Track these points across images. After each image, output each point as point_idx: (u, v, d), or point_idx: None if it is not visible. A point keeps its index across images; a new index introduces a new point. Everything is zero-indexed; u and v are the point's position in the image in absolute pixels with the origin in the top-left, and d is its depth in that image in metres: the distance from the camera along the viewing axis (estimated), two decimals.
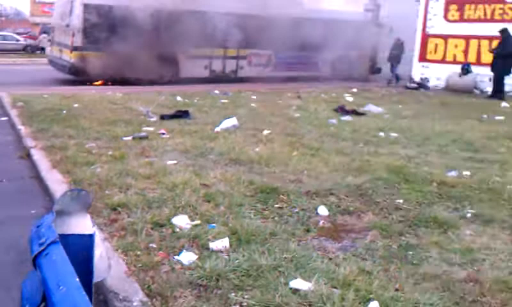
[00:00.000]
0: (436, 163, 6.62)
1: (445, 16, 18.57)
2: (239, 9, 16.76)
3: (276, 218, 4.60)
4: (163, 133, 8.04)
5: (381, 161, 6.54)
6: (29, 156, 6.97)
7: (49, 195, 5.46)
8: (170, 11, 15.80)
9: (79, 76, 16.19)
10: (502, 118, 11.04)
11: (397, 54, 19.20)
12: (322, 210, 4.78)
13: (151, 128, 8.39)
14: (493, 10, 17.14)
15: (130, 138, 7.61)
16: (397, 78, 19.23)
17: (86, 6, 15.91)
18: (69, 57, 16.26)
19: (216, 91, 14.10)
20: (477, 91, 16.64)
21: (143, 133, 7.91)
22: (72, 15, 16.31)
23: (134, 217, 4.52)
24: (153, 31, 15.77)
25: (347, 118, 10.06)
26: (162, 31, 15.91)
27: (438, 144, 7.84)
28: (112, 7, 15.80)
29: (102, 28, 15.87)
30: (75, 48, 16.01)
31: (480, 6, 17.49)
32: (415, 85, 18.03)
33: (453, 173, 6.07)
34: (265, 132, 8.34)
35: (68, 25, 16.56)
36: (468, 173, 6.12)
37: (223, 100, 12.44)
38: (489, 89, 15.95)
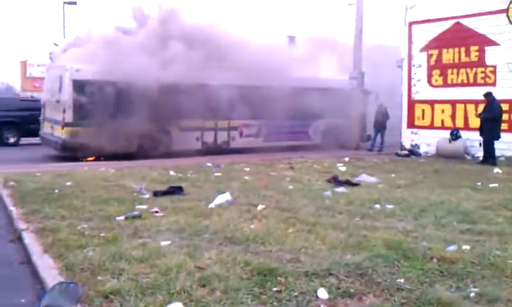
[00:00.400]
0: (435, 237, 6.53)
1: (429, 82, 18.93)
2: (230, 81, 17.03)
3: (274, 303, 4.47)
4: (156, 212, 7.93)
5: (379, 236, 6.44)
6: (20, 239, 6.83)
7: (40, 282, 5.30)
8: (161, 84, 15.98)
9: (71, 152, 16.17)
10: (496, 185, 11.03)
11: (382, 121, 19.44)
12: (322, 293, 4.65)
13: (144, 206, 8.30)
14: (475, 74, 17.48)
15: (123, 218, 7.49)
16: (374, 144, 19.41)
17: (75, 82, 16.09)
18: (60, 133, 16.29)
19: (209, 164, 14.12)
20: (468, 157, 16.73)
21: (136, 212, 7.79)
22: (62, 90, 16.45)
23: (127, 305, 4.38)
24: (145, 105, 15.91)
25: (342, 189, 10.01)
26: (154, 105, 16.04)
27: (435, 215, 7.77)
28: (102, 82, 15.98)
29: (92, 103, 16.01)
30: (66, 124, 16.08)
31: (463, 70, 17.84)
32: (406, 152, 18.14)
33: (452, 248, 5.97)
34: (260, 206, 8.26)
35: (58, 101, 16.67)
36: (467, 247, 6.02)
37: (216, 174, 12.41)
38: (480, 154, 16.05)
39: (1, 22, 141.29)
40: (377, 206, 8.43)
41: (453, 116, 18.05)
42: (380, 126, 19.57)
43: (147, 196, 9.31)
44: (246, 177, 11.91)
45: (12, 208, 8.44)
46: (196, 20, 18.10)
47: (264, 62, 17.08)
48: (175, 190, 9.63)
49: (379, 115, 19.56)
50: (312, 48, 19.74)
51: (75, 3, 36.36)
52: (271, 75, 17.24)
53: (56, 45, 23.12)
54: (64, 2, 36.19)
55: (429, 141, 18.35)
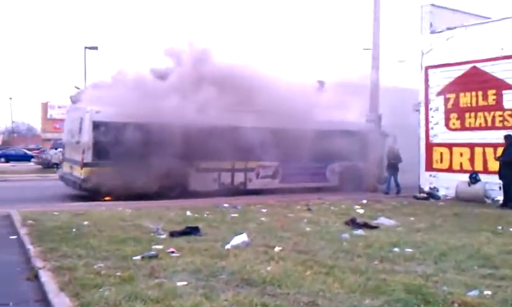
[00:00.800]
0: (455, 281, 6.40)
1: (447, 125, 18.87)
2: (249, 123, 17.14)
3: None
4: (173, 252, 7.91)
5: (398, 280, 6.34)
6: (36, 277, 6.83)
7: None
8: (178, 126, 16.15)
9: (89, 192, 16.32)
10: None
11: (394, 163, 19.28)
12: None
13: (160, 246, 8.28)
14: (493, 117, 17.38)
15: (139, 257, 7.48)
16: (389, 186, 19.20)
17: (95, 124, 16.35)
18: (79, 173, 16.48)
19: (225, 205, 14.11)
20: (488, 200, 16.51)
21: (153, 252, 7.78)
22: (81, 132, 16.72)
23: None
24: (163, 146, 16.03)
25: (360, 232, 9.91)
26: (171, 146, 16.16)
27: (455, 260, 7.63)
28: (120, 124, 16.19)
29: (111, 144, 16.17)
30: (85, 165, 16.28)
31: (480, 114, 17.76)
32: (424, 195, 17.97)
33: (474, 293, 5.84)
34: (277, 248, 8.20)
35: (78, 142, 16.93)
36: (489, 292, 5.90)
37: (232, 214, 12.39)
38: (500, 197, 15.85)
39: (24, 64, 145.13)
40: (396, 249, 8.32)
41: (472, 159, 17.90)
42: (392, 168, 19.40)
43: (164, 236, 9.31)
44: (263, 218, 11.86)
45: (29, 246, 8.46)
46: (225, 62, 18.36)
47: (288, 106, 17.22)
48: (192, 231, 9.61)
49: (390, 157, 19.44)
50: (336, 92, 19.88)
51: (96, 48, 37.30)
52: (294, 118, 17.34)
53: (77, 88, 23.69)
54: (86, 47, 37.14)
55: (447, 184, 18.16)
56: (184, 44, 18.99)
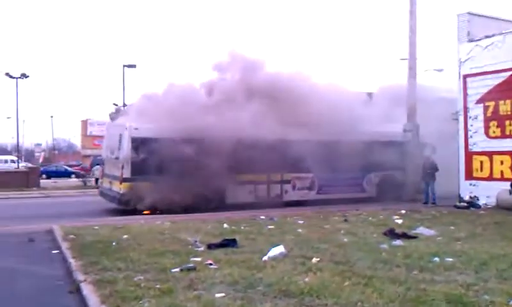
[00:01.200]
0: (497, 290, 6.27)
1: (486, 133, 18.50)
2: (283, 135, 17.18)
3: None
4: (211, 264, 7.96)
5: (439, 290, 6.24)
6: (78, 290, 6.98)
7: None
8: (214, 140, 16.31)
9: (128, 206, 16.61)
10: None
11: (432, 173, 18.91)
12: None
13: (198, 259, 8.35)
14: None
15: (178, 270, 7.56)
16: (427, 196, 18.82)
17: (134, 140, 16.66)
18: (119, 188, 16.81)
19: (262, 217, 14.12)
20: None
21: (191, 265, 7.86)
22: (120, 148, 17.07)
23: None
24: (199, 160, 16.21)
25: (398, 242, 9.79)
26: (208, 160, 16.31)
27: (497, 269, 7.47)
28: (158, 139, 16.47)
29: (149, 159, 16.46)
30: (124, 180, 16.59)
31: None
32: (464, 204, 17.60)
33: None
34: (314, 259, 8.17)
35: (117, 158, 17.29)
36: None
37: (269, 226, 12.40)
38: None
39: (65, 83, 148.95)
40: (436, 259, 8.18)
41: None
42: (428, 178, 19.00)
43: (201, 248, 9.38)
44: (300, 230, 11.83)
45: (71, 260, 8.66)
46: (273, 73, 18.54)
47: (335, 118, 17.21)
48: (229, 243, 9.65)
49: (426, 166, 19.05)
50: (379, 102, 19.76)
51: (134, 66, 37.97)
52: (338, 130, 17.35)
53: (115, 105, 24.17)
54: (124, 66, 37.85)
55: (488, 192, 17.75)
56: (233, 56, 19.25)
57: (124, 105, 34.73)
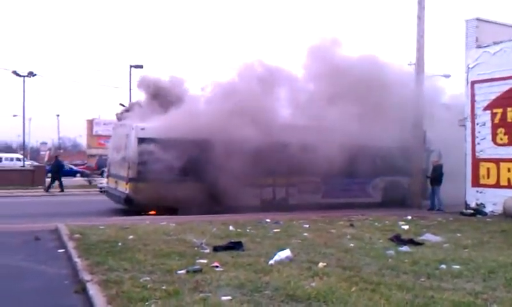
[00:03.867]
0: (506, 299, 6.22)
1: (494, 140, 18.38)
2: (288, 138, 17.16)
3: None
4: (217, 266, 7.94)
5: (446, 297, 6.20)
6: (84, 290, 6.97)
7: None
8: (220, 141, 16.32)
9: (133, 206, 16.61)
10: None
11: (439, 178, 18.83)
12: None
13: (204, 261, 8.33)
14: None
15: (184, 271, 7.55)
16: (433, 203, 18.75)
17: (140, 140, 16.66)
18: (124, 188, 16.81)
19: (268, 220, 14.09)
20: None
21: (197, 267, 7.84)
22: (127, 148, 17.07)
23: None
24: (205, 161, 16.21)
25: (405, 248, 9.74)
26: (213, 161, 16.31)
27: (505, 277, 7.41)
28: (165, 140, 16.47)
29: (156, 160, 16.42)
30: (130, 180, 16.59)
31: None
32: (471, 211, 17.51)
33: None
34: (321, 264, 8.13)
35: (123, 158, 17.29)
36: None
37: (275, 230, 12.36)
38: None
39: (72, 82, 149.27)
40: (444, 266, 8.13)
41: None
42: (434, 183, 18.93)
43: (207, 250, 9.36)
44: (306, 234, 11.78)
45: (77, 260, 8.65)
46: None
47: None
48: (235, 246, 9.63)
49: (436, 171, 18.99)
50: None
51: (141, 67, 37.94)
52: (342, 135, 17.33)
53: (122, 105, 24.12)
54: (131, 66, 37.85)
55: (495, 199, 17.65)
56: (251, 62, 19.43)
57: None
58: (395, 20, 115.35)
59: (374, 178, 19.84)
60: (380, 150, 18.28)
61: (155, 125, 16.82)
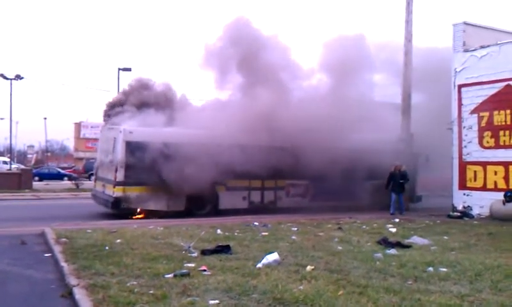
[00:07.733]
0: (492, 302, 6.26)
1: (480, 143, 18.54)
2: (276, 142, 17.19)
3: None
4: (204, 270, 7.91)
5: (433, 300, 6.23)
6: (71, 294, 6.91)
7: None
8: (209, 144, 16.31)
9: (121, 210, 16.50)
10: None
11: (403, 183, 18.80)
12: None
13: (192, 265, 8.30)
14: None
15: (171, 275, 7.51)
16: (394, 207, 18.76)
17: (128, 143, 16.56)
18: (112, 191, 16.69)
19: (256, 223, 14.07)
20: None
21: (185, 270, 7.81)
22: (114, 151, 16.97)
23: None
24: (194, 165, 16.16)
25: (393, 251, 9.77)
26: (202, 164, 16.27)
27: (491, 280, 7.46)
28: (152, 143, 16.43)
29: (143, 164, 16.37)
30: (117, 183, 16.48)
31: None
32: (458, 214, 17.64)
33: None
34: (309, 267, 8.13)
35: (111, 161, 17.18)
36: None
37: (263, 233, 12.34)
38: None
39: (59, 85, 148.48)
40: (431, 269, 8.17)
41: (506, 178, 17.51)
42: (397, 188, 18.87)
43: (195, 254, 9.32)
44: (294, 237, 11.79)
45: (63, 264, 8.57)
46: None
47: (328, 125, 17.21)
48: (223, 249, 9.60)
49: (397, 177, 18.87)
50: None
51: (130, 69, 37.72)
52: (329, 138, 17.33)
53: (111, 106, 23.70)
54: (119, 69, 37.63)
55: (481, 202, 17.81)
56: None
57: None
58: (383, 24, 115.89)
59: (362, 181, 19.86)
60: (368, 153, 18.30)
61: (144, 128, 16.75)
